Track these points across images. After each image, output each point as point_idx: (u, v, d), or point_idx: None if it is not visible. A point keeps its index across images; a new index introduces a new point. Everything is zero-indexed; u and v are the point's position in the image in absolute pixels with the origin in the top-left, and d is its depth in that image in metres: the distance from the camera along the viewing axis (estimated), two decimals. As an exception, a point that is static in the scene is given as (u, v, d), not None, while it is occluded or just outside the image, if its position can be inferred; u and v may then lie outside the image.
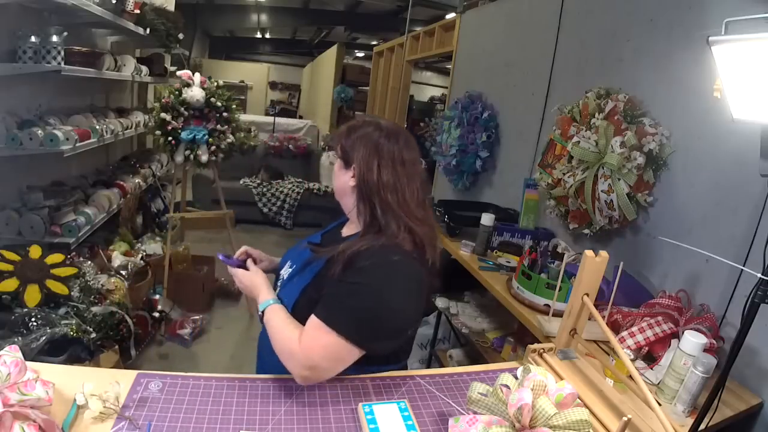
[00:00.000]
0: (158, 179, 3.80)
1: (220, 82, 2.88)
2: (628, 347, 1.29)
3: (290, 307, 1.06)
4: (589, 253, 1.03)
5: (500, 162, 2.79)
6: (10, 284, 1.81)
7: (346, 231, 1.18)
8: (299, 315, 1.03)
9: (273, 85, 13.28)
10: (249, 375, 1.04)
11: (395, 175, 1.05)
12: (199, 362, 2.64)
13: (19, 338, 1.70)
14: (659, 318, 1.31)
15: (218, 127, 2.81)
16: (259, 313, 1.07)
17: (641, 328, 1.30)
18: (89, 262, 2.26)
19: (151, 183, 3.62)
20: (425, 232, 1.06)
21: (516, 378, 0.87)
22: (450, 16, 4.18)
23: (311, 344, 0.95)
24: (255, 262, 1.23)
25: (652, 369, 1.26)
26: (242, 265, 1.19)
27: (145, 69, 3.33)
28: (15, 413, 0.74)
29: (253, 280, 1.13)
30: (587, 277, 1.04)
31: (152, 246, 3.16)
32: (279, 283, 1.17)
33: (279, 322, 1.03)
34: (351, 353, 0.97)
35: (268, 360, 1.08)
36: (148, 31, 3.05)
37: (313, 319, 0.97)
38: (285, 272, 1.16)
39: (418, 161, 1.11)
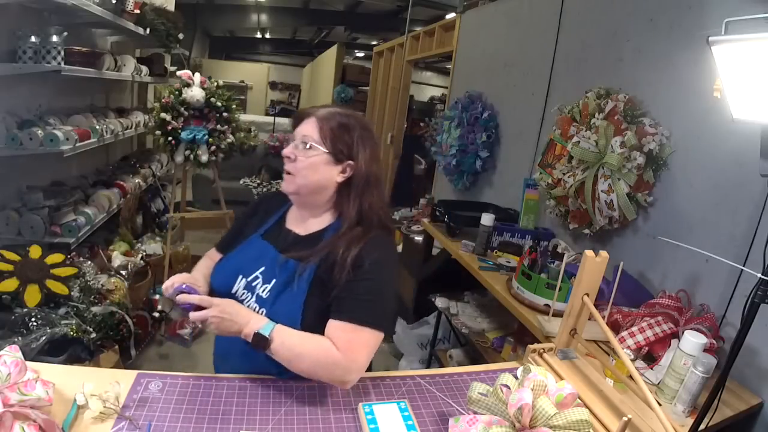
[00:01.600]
0: (158, 179, 3.80)
1: (220, 82, 2.88)
2: (628, 347, 1.29)
3: (297, 323, 0.99)
4: (589, 253, 1.03)
5: (500, 162, 2.79)
6: (10, 284, 1.81)
7: (302, 227, 1.13)
8: (309, 328, 0.99)
9: (273, 85, 13.26)
10: (249, 375, 1.04)
11: (379, 170, 1.13)
12: (199, 362, 2.64)
13: (19, 338, 1.70)
14: (659, 318, 1.31)
15: (218, 127, 2.81)
16: (267, 336, 0.94)
17: (641, 328, 1.30)
18: (89, 262, 2.26)
19: (151, 183, 3.62)
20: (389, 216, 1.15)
21: (516, 378, 0.87)
22: (450, 16, 4.18)
23: (354, 347, 0.95)
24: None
25: (652, 369, 1.26)
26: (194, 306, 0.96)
27: (145, 69, 3.33)
28: (15, 413, 0.74)
29: (235, 309, 0.98)
30: (587, 277, 1.04)
31: (152, 246, 3.16)
32: (251, 299, 1.05)
33: (299, 339, 0.96)
34: (379, 342, 1.00)
35: (233, 363, 1.07)
36: (148, 31, 3.05)
37: (340, 324, 0.97)
38: (259, 289, 1.05)
39: None
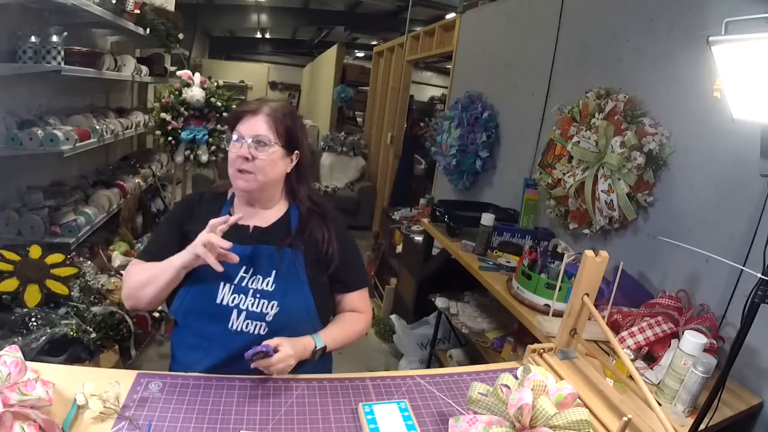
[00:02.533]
0: (158, 179, 3.80)
1: (220, 82, 2.88)
2: (628, 347, 1.29)
3: (312, 305, 1.11)
4: (589, 253, 1.03)
5: (500, 162, 2.79)
6: (10, 284, 1.81)
7: (259, 219, 1.14)
8: (324, 304, 1.15)
9: (273, 85, 13.26)
10: (249, 375, 1.04)
11: None
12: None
13: (19, 338, 1.70)
14: (659, 318, 1.31)
15: (218, 127, 2.81)
16: (324, 345, 1.08)
17: (641, 328, 1.30)
18: (89, 262, 2.26)
19: (151, 183, 3.62)
20: None
21: (516, 378, 0.87)
22: (450, 16, 4.18)
23: (368, 305, 1.24)
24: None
25: (652, 369, 1.26)
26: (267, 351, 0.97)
27: (145, 69, 3.33)
28: (15, 413, 0.74)
29: (294, 345, 1.02)
30: (587, 277, 1.04)
31: (152, 246, 3.15)
32: (247, 299, 1.05)
33: (340, 330, 1.15)
34: None
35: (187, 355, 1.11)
36: (148, 31, 3.05)
37: (355, 294, 1.21)
38: (257, 284, 1.06)
39: None
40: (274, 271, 1.08)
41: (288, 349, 0.99)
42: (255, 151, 1.06)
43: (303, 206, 1.17)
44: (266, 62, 13.34)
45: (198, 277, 1.06)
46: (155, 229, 1.19)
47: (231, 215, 1.12)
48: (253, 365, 0.96)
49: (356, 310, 1.21)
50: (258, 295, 1.06)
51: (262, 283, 1.07)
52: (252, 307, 1.06)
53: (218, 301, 1.05)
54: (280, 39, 12.84)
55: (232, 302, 1.05)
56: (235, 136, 1.08)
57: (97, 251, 2.62)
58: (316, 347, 1.06)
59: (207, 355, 1.07)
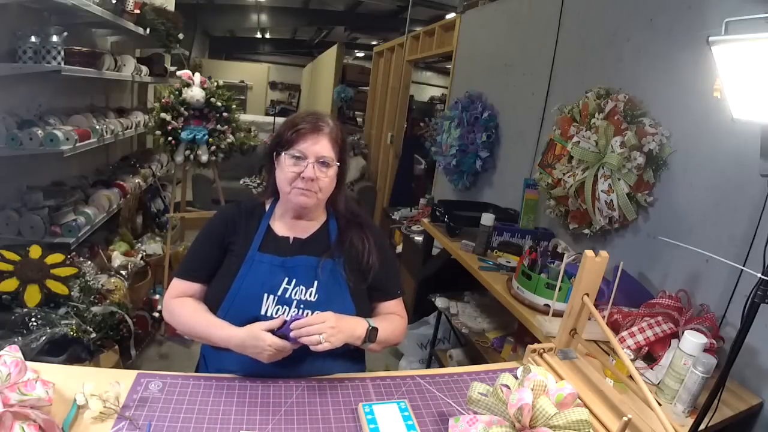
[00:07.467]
0: (158, 179, 3.80)
1: (220, 82, 2.87)
2: (628, 347, 1.29)
3: (353, 314, 1.10)
4: (589, 253, 1.03)
5: (500, 162, 2.79)
6: (10, 284, 1.81)
7: (299, 231, 1.15)
8: (365, 312, 1.13)
9: (273, 85, 13.26)
10: (249, 375, 1.04)
11: None
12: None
13: (19, 338, 1.69)
14: (659, 318, 1.31)
15: (218, 127, 2.81)
16: (377, 331, 1.07)
17: (641, 328, 1.30)
18: (89, 262, 2.26)
19: (151, 183, 3.61)
20: None
21: (516, 378, 0.87)
22: (450, 16, 4.17)
23: (404, 312, 1.23)
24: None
25: (652, 369, 1.26)
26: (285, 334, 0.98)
27: (145, 69, 3.33)
28: (15, 413, 0.74)
29: (337, 317, 1.01)
30: (587, 277, 1.04)
31: (152, 246, 3.16)
32: (290, 310, 1.06)
33: (386, 324, 1.13)
34: None
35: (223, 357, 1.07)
36: (148, 31, 3.05)
37: (395, 301, 1.22)
38: (300, 295, 1.07)
39: None
40: (316, 282, 1.08)
41: (329, 315, 0.99)
42: (319, 172, 1.08)
43: (341, 216, 1.19)
44: (266, 62, 13.34)
45: (241, 289, 1.07)
46: (193, 242, 1.16)
47: (271, 228, 1.15)
48: (292, 334, 0.97)
49: (397, 314, 1.21)
50: (302, 306, 1.07)
51: (305, 294, 1.07)
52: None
53: (262, 312, 1.06)
54: (280, 39, 12.85)
55: (276, 313, 1.05)
56: (296, 154, 1.07)
57: (97, 251, 2.62)
58: (369, 326, 1.05)
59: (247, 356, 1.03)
